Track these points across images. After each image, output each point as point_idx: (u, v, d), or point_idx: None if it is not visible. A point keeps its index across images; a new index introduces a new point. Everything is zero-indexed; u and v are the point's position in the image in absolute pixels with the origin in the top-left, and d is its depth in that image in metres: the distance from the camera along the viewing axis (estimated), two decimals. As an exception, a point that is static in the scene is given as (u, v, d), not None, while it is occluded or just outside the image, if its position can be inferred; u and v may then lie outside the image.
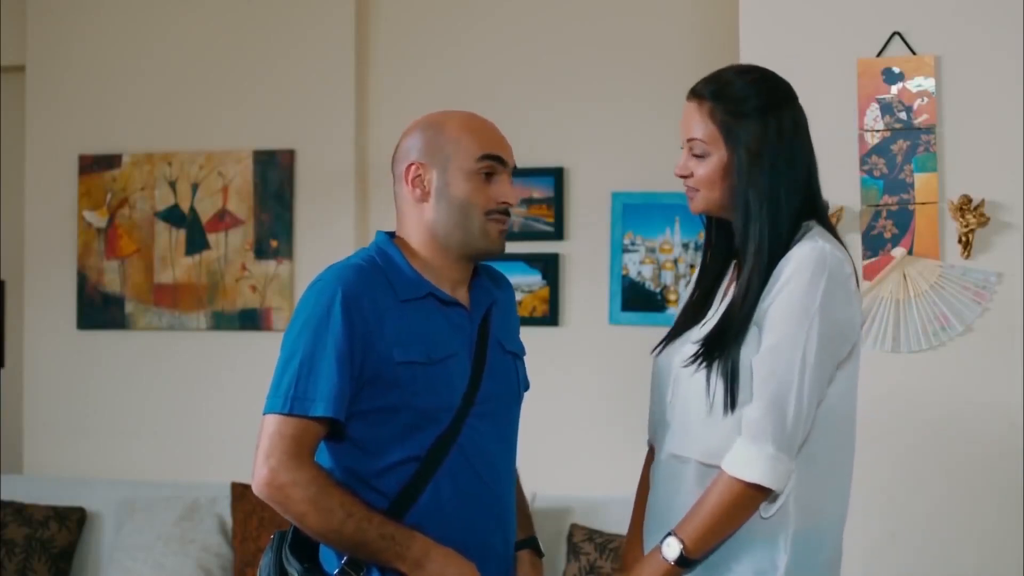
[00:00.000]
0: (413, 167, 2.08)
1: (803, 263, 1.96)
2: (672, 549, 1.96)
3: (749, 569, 1.97)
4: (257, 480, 1.95)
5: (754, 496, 1.94)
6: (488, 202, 2.06)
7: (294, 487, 1.93)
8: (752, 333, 1.97)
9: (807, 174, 2.06)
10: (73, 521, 4.49)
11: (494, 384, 2.09)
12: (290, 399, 1.96)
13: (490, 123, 2.13)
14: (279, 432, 1.95)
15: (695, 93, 2.07)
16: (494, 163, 2.07)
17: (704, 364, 1.99)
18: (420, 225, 2.09)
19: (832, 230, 2.07)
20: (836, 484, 2.04)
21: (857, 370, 2.06)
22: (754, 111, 2.01)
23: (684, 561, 1.96)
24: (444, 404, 2.03)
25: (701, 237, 4.10)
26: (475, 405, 2.05)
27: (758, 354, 1.96)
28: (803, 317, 1.94)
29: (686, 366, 2.02)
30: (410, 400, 2.00)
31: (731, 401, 1.96)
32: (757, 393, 1.94)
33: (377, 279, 2.03)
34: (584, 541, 3.99)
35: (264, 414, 1.99)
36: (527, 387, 2.24)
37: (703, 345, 2.00)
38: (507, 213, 2.10)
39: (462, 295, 2.12)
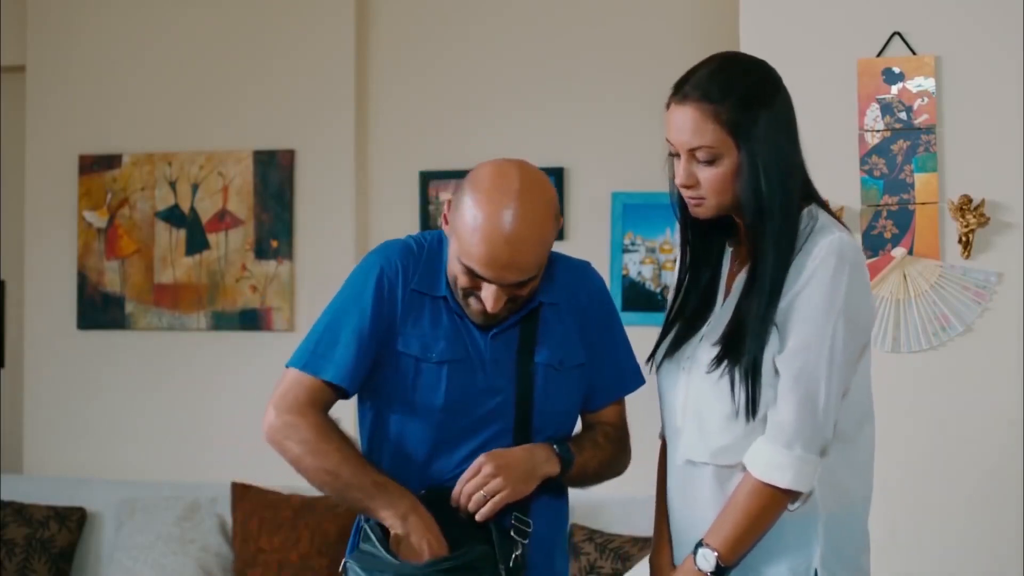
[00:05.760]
0: (446, 209, 2.06)
1: (825, 258, 1.91)
2: (708, 561, 1.93)
3: (784, 563, 1.95)
4: (264, 424, 2.04)
5: (784, 499, 1.92)
6: (470, 287, 2.01)
7: (294, 429, 2.01)
8: (771, 332, 1.93)
9: (800, 153, 2.01)
10: (73, 521, 4.49)
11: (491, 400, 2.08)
12: (308, 357, 2.05)
13: (498, 235, 1.94)
14: (295, 382, 2.05)
15: (688, 97, 1.95)
16: (477, 278, 1.98)
17: (727, 366, 1.94)
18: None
19: (832, 213, 2.04)
20: (860, 464, 2.01)
21: (871, 352, 2.03)
22: (757, 105, 1.94)
23: (720, 570, 1.93)
24: (429, 406, 2.05)
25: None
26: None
27: (783, 353, 1.91)
28: (829, 314, 1.90)
29: (710, 371, 1.96)
30: (405, 391, 2.05)
31: (753, 405, 1.92)
32: (785, 394, 1.90)
33: (419, 261, 2.09)
34: (584, 541, 3.99)
35: (286, 366, 2.08)
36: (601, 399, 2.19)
37: (723, 347, 1.95)
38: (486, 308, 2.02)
39: None
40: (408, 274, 2.07)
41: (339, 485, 2.01)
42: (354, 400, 2.14)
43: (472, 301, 2.02)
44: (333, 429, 2.04)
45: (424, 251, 2.11)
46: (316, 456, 2.01)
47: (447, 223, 2.05)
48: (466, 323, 2.07)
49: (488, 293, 1.98)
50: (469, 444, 2.06)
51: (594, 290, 2.19)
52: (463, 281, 2.00)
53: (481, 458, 2.01)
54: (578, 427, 2.22)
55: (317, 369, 2.04)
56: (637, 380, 2.22)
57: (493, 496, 1.98)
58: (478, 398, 2.06)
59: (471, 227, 1.95)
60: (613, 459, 2.18)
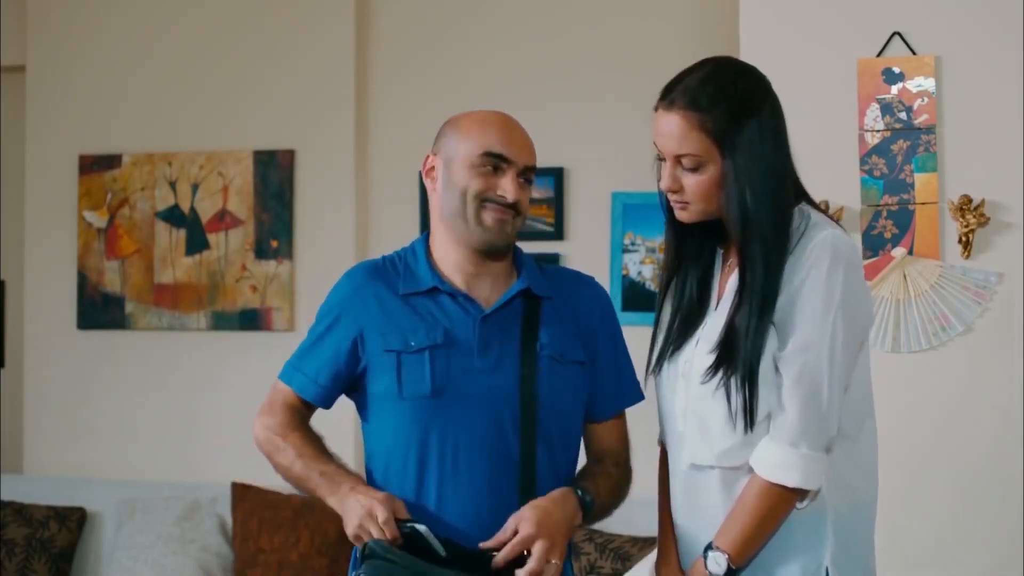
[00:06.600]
0: (428, 159, 2.17)
1: (819, 256, 1.91)
2: (719, 564, 1.93)
3: (795, 562, 1.95)
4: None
5: (792, 498, 1.92)
6: (486, 190, 2.08)
7: (264, 431, 2.15)
8: (769, 331, 1.92)
9: (790, 159, 2.01)
10: (73, 521, 4.49)
11: (491, 378, 2.07)
12: (286, 368, 2.19)
13: (507, 121, 2.15)
14: (274, 389, 2.19)
15: (675, 104, 1.95)
16: (497, 160, 2.09)
17: (724, 373, 1.93)
18: (435, 216, 2.17)
19: (822, 210, 2.04)
20: (864, 462, 2.01)
21: (868, 347, 2.03)
22: (744, 114, 1.94)
23: (731, 572, 1.93)
24: (420, 394, 2.06)
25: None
26: (449, 393, 2.07)
27: (784, 353, 1.91)
28: (827, 312, 1.90)
29: (705, 382, 1.96)
30: (394, 386, 2.07)
31: (750, 415, 1.91)
32: (789, 394, 1.90)
33: (388, 275, 2.16)
34: (584, 541, 3.99)
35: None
36: (577, 394, 2.16)
37: (718, 357, 1.94)
38: (508, 206, 2.09)
39: (481, 288, 2.13)
40: (381, 285, 2.14)
41: (297, 481, 2.11)
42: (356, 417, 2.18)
43: (487, 213, 2.08)
44: (295, 427, 2.13)
45: (401, 260, 2.19)
46: (277, 454, 2.13)
47: (430, 176, 2.15)
48: (448, 313, 2.10)
49: (508, 179, 2.08)
50: (473, 442, 2.05)
51: (596, 301, 2.22)
52: (477, 184, 2.08)
53: (528, 527, 1.96)
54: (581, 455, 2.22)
55: (288, 379, 2.17)
56: (637, 395, 2.24)
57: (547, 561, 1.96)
58: (467, 380, 2.06)
59: (477, 126, 2.11)
60: (622, 489, 2.20)
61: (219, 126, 4.74)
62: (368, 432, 2.16)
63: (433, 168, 2.16)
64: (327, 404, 2.18)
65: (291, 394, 2.16)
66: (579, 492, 2.06)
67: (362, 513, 1.96)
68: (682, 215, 2.01)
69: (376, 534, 1.94)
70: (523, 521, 1.97)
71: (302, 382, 2.15)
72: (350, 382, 2.15)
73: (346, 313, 2.13)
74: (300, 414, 2.16)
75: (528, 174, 2.14)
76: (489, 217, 2.09)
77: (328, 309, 2.17)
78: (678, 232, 2.08)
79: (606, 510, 2.15)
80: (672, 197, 2.00)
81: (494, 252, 2.13)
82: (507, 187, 2.08)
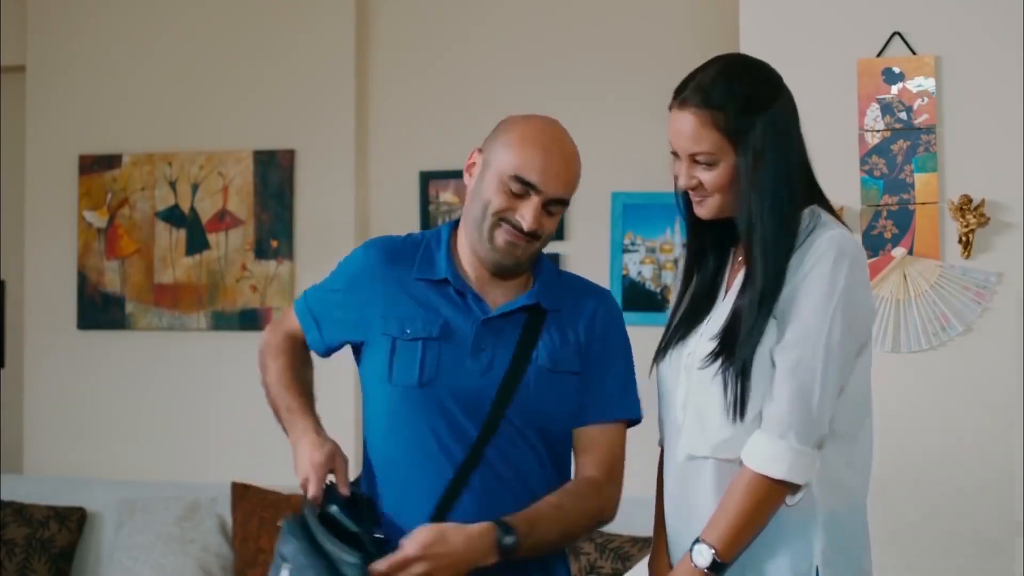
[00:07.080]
0: (473, 154, 2.15)
1: (824, 253, 1.92)
2: (704, 557, 1.91)
3: (785, 560, 1.94)
4: None
5: (780, 491, 1.91)
6: (506, 210, 2.05)
7: (264, 345, 2.25)
8: (770, 325, 1.93)
9: (804, 158, 2.02)
10: (73, 521, 4.49)
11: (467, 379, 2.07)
12: (300, 301, 2.24)
13: (551, 145, 2.08)
14: (287, 313, 2.27)
15: (687, 103, 1.97)
16: (524, 187, 2.04)
17: (723, 362, 1.94)
18: (463, 214, 2.16)
19: (835, 214, 2.06)
20: (860, 463, 2.01)
21: (871, 351, 2.03)
22: (754, 110, 1.95)
23: (717, 566, 1.91)
24: (407, 383, 2.07)
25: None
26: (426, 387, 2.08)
27: (780, 345, 1.92)
28: (826, 308, 1.90)
29: (703, 367, 1.97)
30: (385, 371, 2.09)
31: (742, 406, 1.92)
32: (780, 386, 1.90)
33: (403, 257, 2.16)
34: (584, 541, 3.98)
35: None
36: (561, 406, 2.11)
37: (718, 345, 1.96)
38: (522, 231, 2.05)
39: (493, 289, 2.12)
40: (396, 263, 2.16)
41: (272, 406, 2.18)
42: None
43: (500, 233, 2.06)
44: (286, 350, 2.21)
45: (423, 243, 2.19)
46: (264, 372, 2.21)
47: (470, 172, 2.13)
48: (454, 307, 2.10)
49: (530, 207, 2.04)
50: (440, 437, 2.05)
51: (601, 313, 2.17)
52: (499, 202, 2.05)
53: (413, 548, 1.91)
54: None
55: (299, 312, 2.23)
56: (625, 410, 2.15)
57: None
58: (455, 377, 2.06)
59: (520, 141, 2.05)
60: (578, 523, 2.09)
61: (219, 126, 4.74)
62: (364, 402, 2.19)
63: (475, 164, 2.13)
64: (323, 355, 2.23)
65: (296, 325, 2.23)
66: (499, 533, 1.96)
67: (301, 476, 2.02)
68: (700, 211, 2.03)
69: (309, 496, 2.00)
70: (414, 539, 1.92)
71: (307, 322, 2.21)
72: (351, 345, 2.19)
73: (355, 287, 2.16)
74: (299, 341, 2.23)
75: (555, 206, 2.09)
76: (501, 237, 2.06)
77: (343, 270, 2.21)
78: (697, 230, 2.10)
79: (548, 546, 2.06)
80: (692, 193, 2.02)
81: (501, 271, 2.11)
82: (527, 214, 2.05)
